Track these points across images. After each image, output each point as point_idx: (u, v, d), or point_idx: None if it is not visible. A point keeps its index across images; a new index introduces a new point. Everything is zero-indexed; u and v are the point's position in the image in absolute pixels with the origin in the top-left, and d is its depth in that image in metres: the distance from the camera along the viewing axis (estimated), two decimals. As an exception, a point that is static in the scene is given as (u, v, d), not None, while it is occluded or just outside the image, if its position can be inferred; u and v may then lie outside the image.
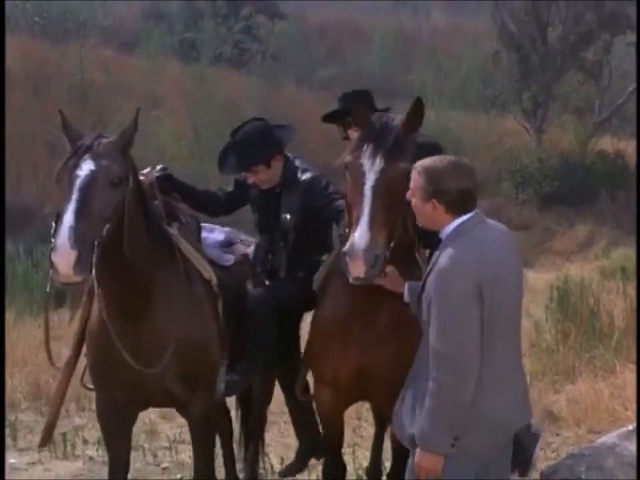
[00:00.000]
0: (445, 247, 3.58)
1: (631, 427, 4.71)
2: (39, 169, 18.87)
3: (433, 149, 4.49)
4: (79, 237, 3.74)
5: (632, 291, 9.87)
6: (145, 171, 4.83)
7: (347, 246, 3.84)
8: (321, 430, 5.03)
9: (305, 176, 4.92)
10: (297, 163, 4.99)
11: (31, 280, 11.91)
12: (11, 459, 6.79)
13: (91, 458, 6.78)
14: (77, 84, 23.87)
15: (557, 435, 7.13)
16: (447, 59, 31.44)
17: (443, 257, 3.54)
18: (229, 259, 5.08)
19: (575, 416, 7.27)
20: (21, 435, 7.23)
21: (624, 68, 25.74)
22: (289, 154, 5.01)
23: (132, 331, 4.30)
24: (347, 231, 4.09)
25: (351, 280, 3.89)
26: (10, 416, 6.97)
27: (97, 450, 6.79)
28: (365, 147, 4.07)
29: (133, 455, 6.58)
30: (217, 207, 5.21)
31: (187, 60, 27.85)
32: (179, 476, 6.43)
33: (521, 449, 5.11)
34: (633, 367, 7.73)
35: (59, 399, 4.82)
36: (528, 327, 9.16)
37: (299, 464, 5.50)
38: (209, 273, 4.69)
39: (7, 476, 6.38)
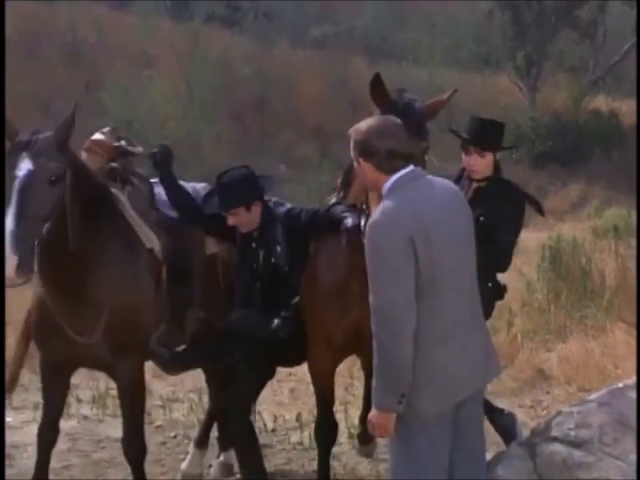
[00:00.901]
0: (381, 202, 3.59)
1: (621, 384, 4.75)
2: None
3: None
4: (19, 241, 3.83)
5: (624, 251, 9.92)
6: (105, 130, 4.91)
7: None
8: (315, 392, 5.07)
9: (283, 208, 5.01)
10: (272, 201, 5.07)
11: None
12: (6, 417, 6.83)
13: (85, 417, 6.83)
14: (69, 42, 23.70)
15: (548, 393, 7.19)
16: (441, 17, 31.27)
17: (376, 212, 3.55)
18: None
19: (566, 374, 7.33)
20: (15, 394, 7.25)
21: (619, 27, 25.65)
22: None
23: (68, 301, 4.41)
24: (363, 207, 4.17)
25: None
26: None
27: (91, 409, 6.85)
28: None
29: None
30: (194, 219, 5.09)
31: (180, 19, 27.65)
32: (172, 434, 6.49)
33: (503, 431, 5.22)
34: (624, 326, 7.79)
35: (19, 355, 5.09)
36: (520, 287, 9.22)
37: None
38: (150, 241, 4.73)
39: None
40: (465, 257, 3.67)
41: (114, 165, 4.78)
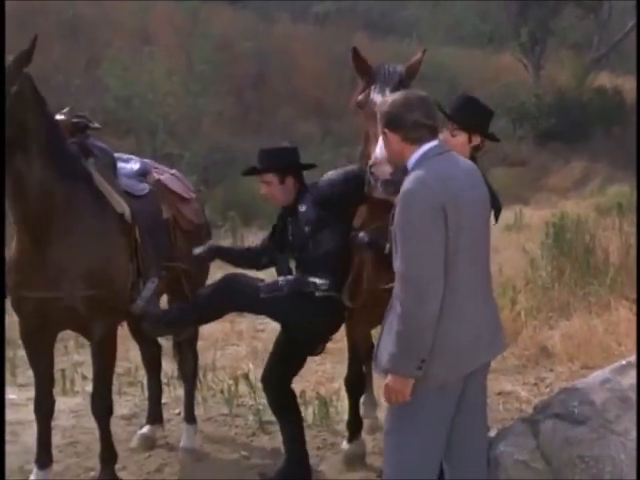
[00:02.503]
0: (410, 173, 3.67)
1: (624, 362, 4.75)
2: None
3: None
4: None
5: (627, 228, 9.90)
6: (64, 110, 5.15)
7: (371, 161, 4.30)
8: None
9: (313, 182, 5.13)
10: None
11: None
12: (10, 394, 6.85)
13: (89, 394, 6.83)
14: (68, 18, 23.55)
15: (551, 370, 7.20)
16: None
17: (407, 181, 3.62)
18: (143, 188, 5.36)
19: (569, 352, 7.33)
20: (20, 371, 7.28)
21: (623, 3, 25.50)
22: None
23: (42, 261, 4.62)
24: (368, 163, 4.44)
25: (380, 189, 4.32)
26: (9, 352, 7.01)
27: (95, 386, 6.86)
28: (373, 87, 4.68)
29: (130, 390, 6.69)
30: (253, 261, 5.27)
31: (181, -6, 27.46)
32: (177, 411, 6.50)
33: None
34: (627, 304, 7.78)
35: None
36: (523, 264, 9.23)
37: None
38: (121, 206, 4.93)
39: (7, 411, 6.44)
40: (483, 229, 3.76)
41: (74, 140, 5.01)
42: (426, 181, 3.56)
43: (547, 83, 25.22)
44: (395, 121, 3.72)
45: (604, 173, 20.98)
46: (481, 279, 3.76)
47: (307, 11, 30.57)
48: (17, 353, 7.42)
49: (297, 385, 6.70)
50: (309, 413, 6.18)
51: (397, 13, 31.21)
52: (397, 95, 3.81)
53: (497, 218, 5.03)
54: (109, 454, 5.09)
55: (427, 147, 3.69)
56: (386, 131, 3.76)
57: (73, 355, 7.56)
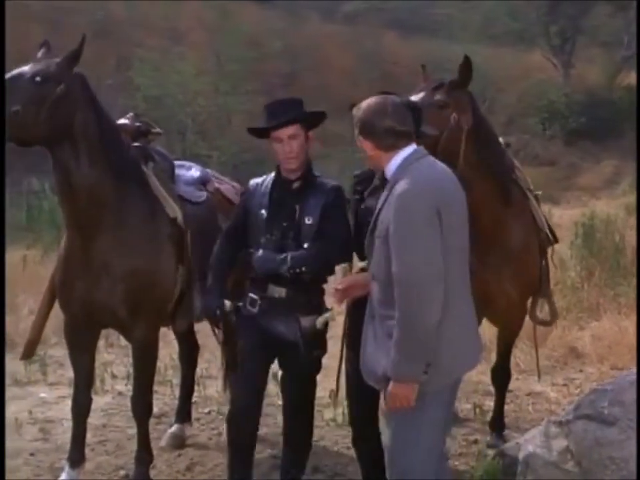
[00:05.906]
0: (397, 179, 3.61)
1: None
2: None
3: None
4: None
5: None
6: (128, 115, 5.30)
7: None
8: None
9: (332, 183, 4.60)
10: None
11: (58, 216, 11.96)
12: (41, 393, 6.93)
13: (120, 392, 6.89)
14: (99, 18, 23.69)
15: (581, 371, 7.17)
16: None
17: (401, 184, 3.56)
18: (201, 196, 5.44)
19: (599, 352, 7.30)
20: (50, 370, 7.35)
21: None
22: None
23: (86, 260, 4.69)
24: None
25: None
26: (40, 351, 7.08)
27: (125, 385, 6.91)
28: (417, 89, 4.90)
29: (160, 389, 6.73)
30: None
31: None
32: (206, 410, 6.54)
33: None
34: (658, 304, 7.73)
35: (41, 317, 5.20)
36: (553, 264, 9.15)
37: None
38: (174, 210, 4.99)
39: (38, 409, 6.52)
40: (466, 233, 3.74)
41: (136, 144, 5.11)
42: (422, 184, 3.55)
43: (576, 82, 25.06)
44: (366, 128, 3.72)
45: (634, 172, 20.81)
46: (467, 281, 3.76)
47: (334, 10, 30.55)
48: (48, 352, 7.51)
49: (327, 385, 6.72)
50: (338, 413, 6.19)
51: (426, 11, 31.11)
52: (371, 100, 3.77)
53: None
54: (145, 454, 5.13)
55: (406, 152, 3.66)
56: (360, 138, 3.75)
57: (103, 354, 7.61)
